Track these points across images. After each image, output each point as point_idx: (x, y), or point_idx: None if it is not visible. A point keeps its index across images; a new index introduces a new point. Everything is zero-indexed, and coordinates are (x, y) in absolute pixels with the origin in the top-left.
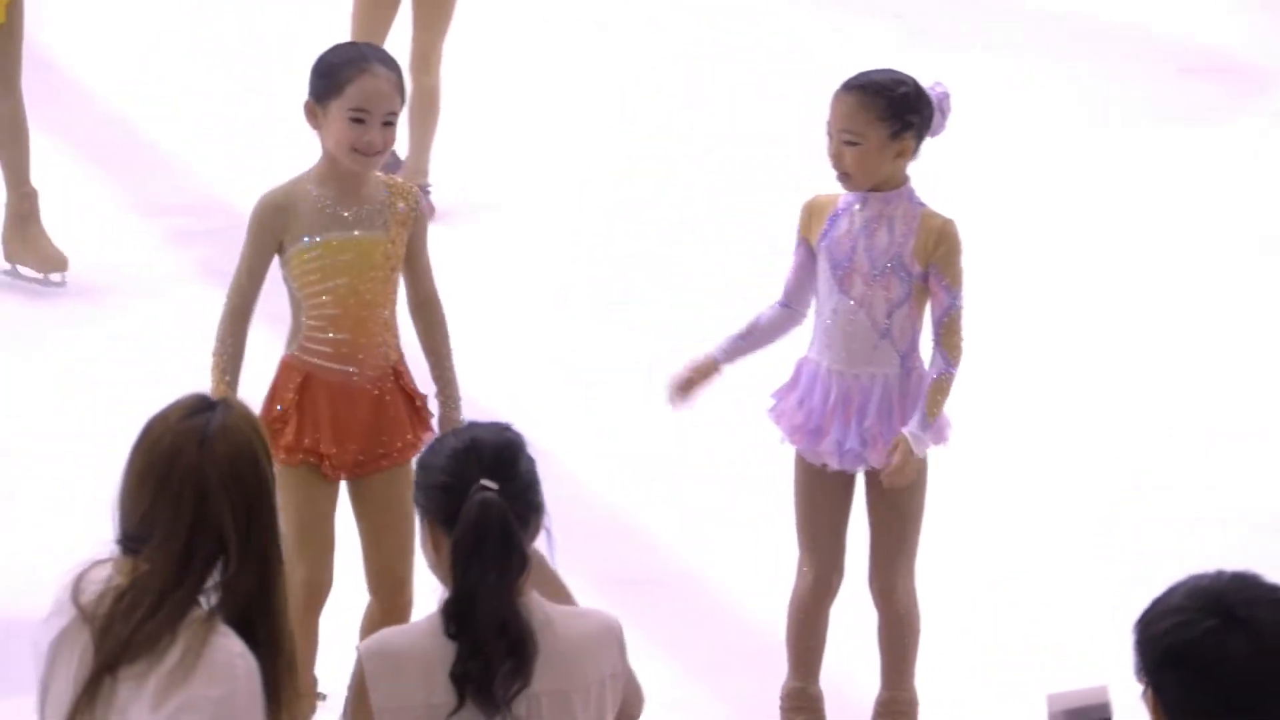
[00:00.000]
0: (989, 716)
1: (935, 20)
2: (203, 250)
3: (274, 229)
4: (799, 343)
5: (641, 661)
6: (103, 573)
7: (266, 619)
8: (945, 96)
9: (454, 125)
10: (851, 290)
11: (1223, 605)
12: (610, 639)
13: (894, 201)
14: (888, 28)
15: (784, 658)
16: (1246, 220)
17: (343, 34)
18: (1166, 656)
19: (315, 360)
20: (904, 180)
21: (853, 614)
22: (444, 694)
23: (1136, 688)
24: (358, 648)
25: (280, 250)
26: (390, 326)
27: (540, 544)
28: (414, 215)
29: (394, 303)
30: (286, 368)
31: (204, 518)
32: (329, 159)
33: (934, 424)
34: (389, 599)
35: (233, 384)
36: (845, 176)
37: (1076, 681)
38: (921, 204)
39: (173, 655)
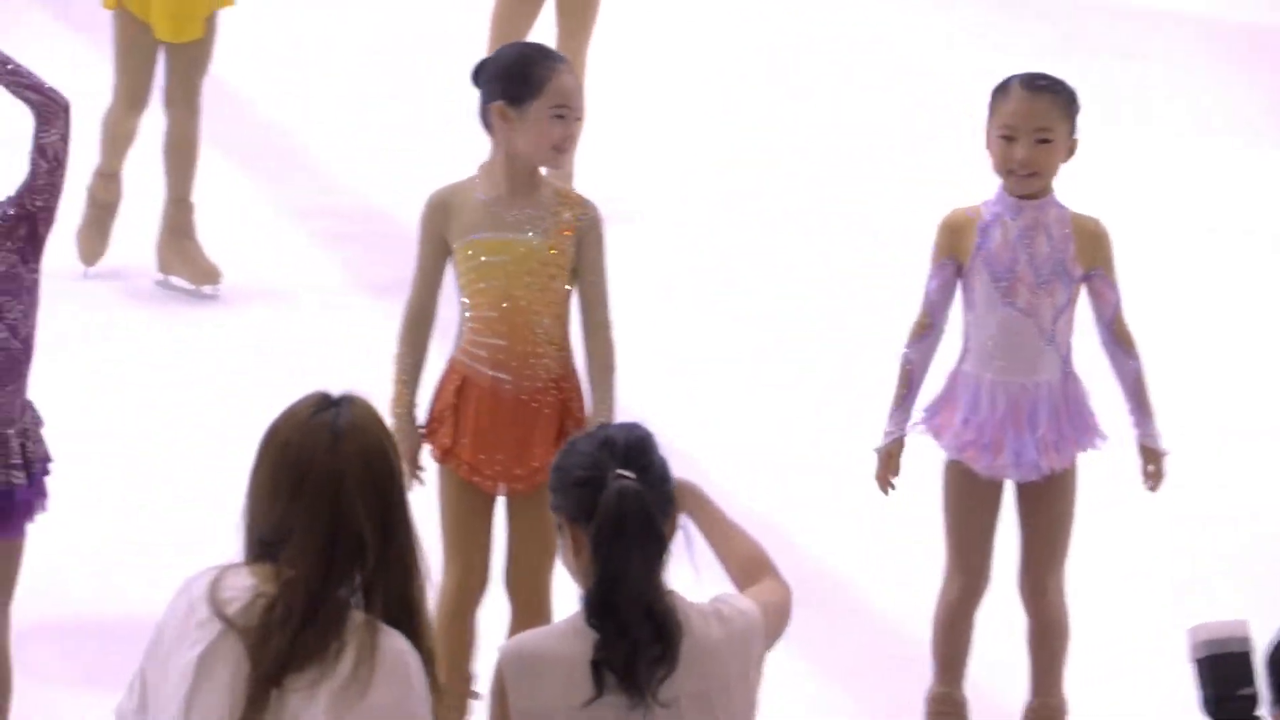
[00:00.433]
0: None
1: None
2: (349, 254)
3: (438, 227)
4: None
5: (782, 662)
6: (240, 580)
7: (410, 615)
8: None
9: None
10: (1017, 300)
11: None
12: (753, 635)
13: (1045, 208)
14: (975, 19)
15: (927, 662)
16: (1261, 219)
17: (481, 38)
18: None
19: (472, 363)
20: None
21: (998, 618)
22: (582, 695)
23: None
24: (498, 649)
25: (449, 251)
26: (553, 338)
27: (678, 545)
28: (583, 227)
29: (559, 314)
30: (449, 369)
31: (341, 517)
32: (505, 160)
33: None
34: (526, 615)
35: (412, 390)
36: (1033, 177)
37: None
38: (1065, 206)
39: (345, 663)
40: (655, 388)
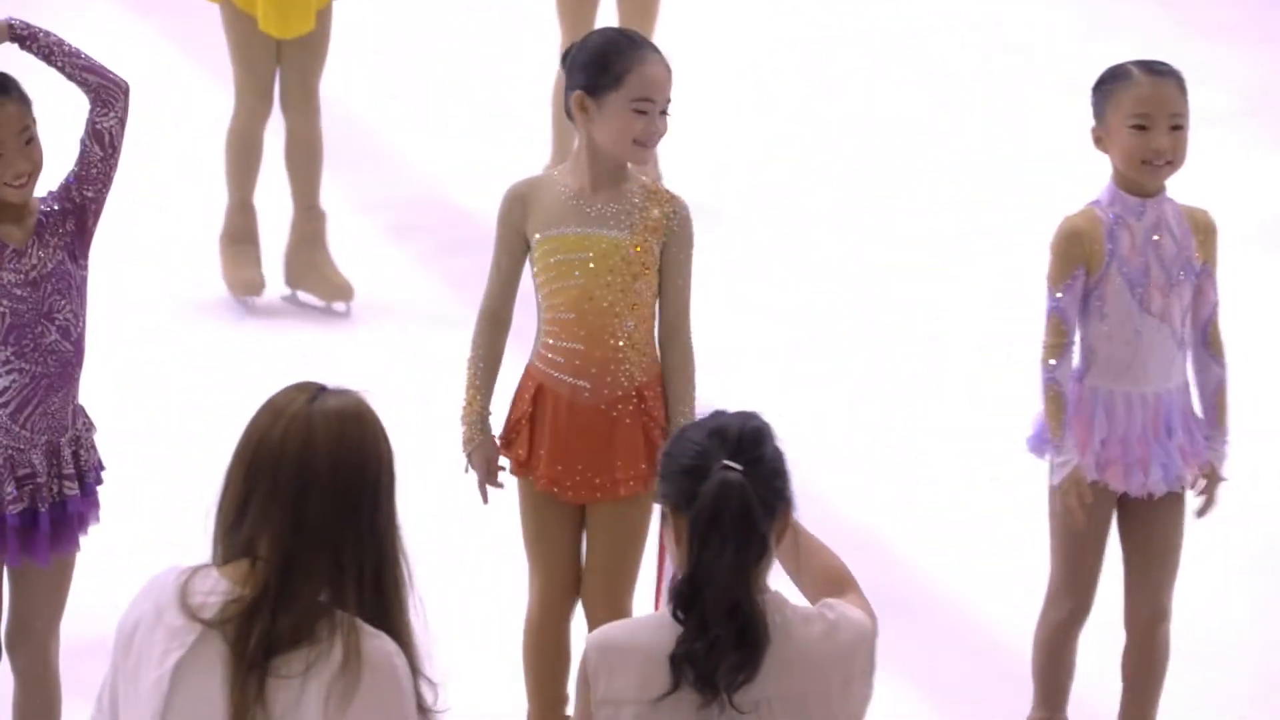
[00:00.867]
0: None
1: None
2: (421, 247)
3: (516, 221)
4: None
5: (881, 683)
6: (210, 584)
7: (385, 617)
8: None
9: None
10: (1152, 305)
11: None
12: (860, 646)
13: (1163, 203)
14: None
15: (1027, 686)
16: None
17: (552, 27)
18: None
19: (548, 370)
20: None
21: (1098, 644)
22: (656, 690)
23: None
24: (586, 639)
25: (528, 247)
26: (635, 343)
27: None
28: (670, 227)
29: (643, 317)
30: (526, 376)
31: (306, 514)
32: (590, 152)
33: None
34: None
35: (486, 396)
36: (1168, 167)
37: None
38: (1174, 200)
39: (332, 661)
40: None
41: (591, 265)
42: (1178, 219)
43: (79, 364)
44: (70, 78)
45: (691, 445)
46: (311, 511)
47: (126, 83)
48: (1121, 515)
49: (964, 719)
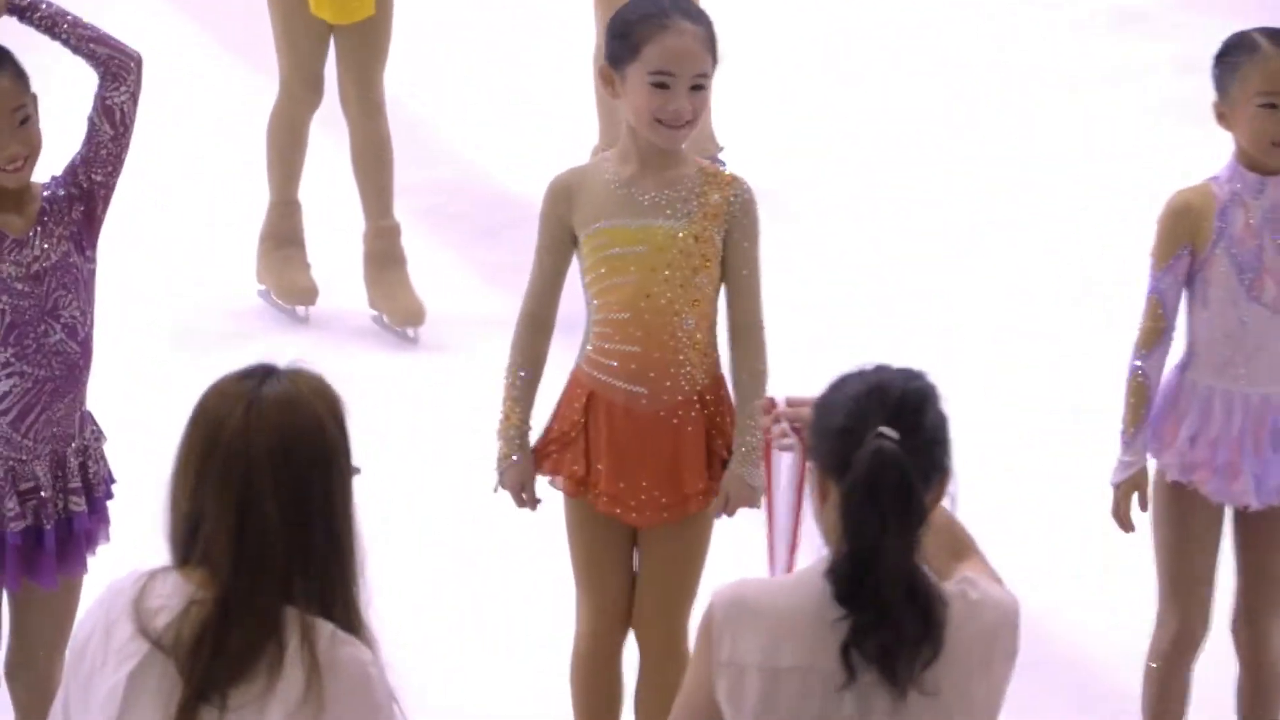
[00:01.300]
0: None
1: None
2: (455, 235)
3: (561, 214)
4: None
5: None
6: (168, 587)
7: (346, 613)
8: None
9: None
10: (1263, 295)
11: None
12: (1003, 628)
13: None
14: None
15: (1041, 678)
16: None
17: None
18: None
19: (600, 375)
20: None
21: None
22: (792, 658)
23: None
24: (713, 593)
25: (575, 242)
26: (696, 343)
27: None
28: (733, 212)
29: (704, 314)
30: (573, 382)
31: (250, 502)
32: (631, 134)
33: None
34: (655, 657)
35: (526, 407)
36: None
37: None
38: None
39: (293, 679)
40: None
41: (647, 260)
42: None
43: (86, 366)
44: (76, 50)
45: (848, 402)
46: (261, 507)
47: (139, 54)
48: (1237, 528)
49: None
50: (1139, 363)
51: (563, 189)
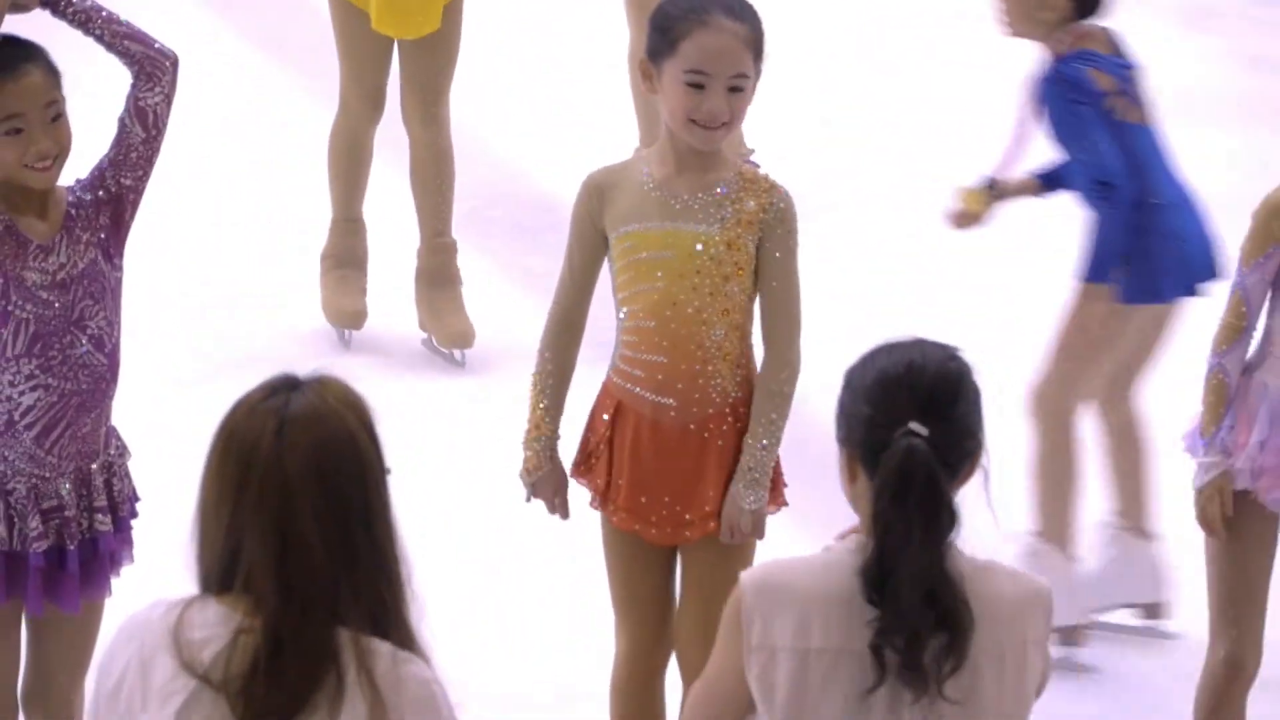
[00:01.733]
0: None
1: None
2: (496, 241)
3: (591, 215)
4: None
5: None
6: (209, 616)
7: (400, 630)
8: None
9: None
10: None
11: None
12: (1038, 605)
13: None
14: None
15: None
16: None
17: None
18: None
19: (627, 385)
20: None
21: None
22: (822, 639)
23: None
24: (741, 576)
25: (606, 244)
26: (726, 353)
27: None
28: (767, 220)
29: (737, 324)
30: (603, 392)
31: (291, 525)
32: (669, 133)
33: None
34: (697, 679)
35: (555, 416)
36: None
37: None
38: None
39: (356, 705)
40: None
41: (676, 266)
42: None
43: (113, 379)
44: (110, 48)
45: (876, 384)
46: (301, 528)
47: (175, 54)
48: None
49: None
50: (1218, 360)
51: (595, 187)
